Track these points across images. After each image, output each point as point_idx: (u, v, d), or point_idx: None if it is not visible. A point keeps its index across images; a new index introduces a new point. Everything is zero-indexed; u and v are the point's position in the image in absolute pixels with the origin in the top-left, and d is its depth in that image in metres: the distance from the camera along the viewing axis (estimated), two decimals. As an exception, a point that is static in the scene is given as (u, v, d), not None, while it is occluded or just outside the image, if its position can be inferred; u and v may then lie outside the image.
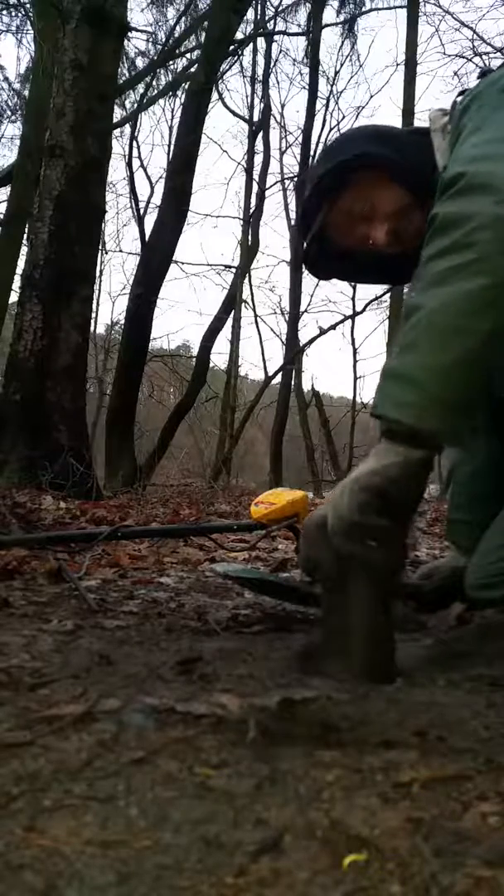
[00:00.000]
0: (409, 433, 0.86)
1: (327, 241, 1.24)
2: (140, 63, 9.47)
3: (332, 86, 11.81)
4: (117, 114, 7.91)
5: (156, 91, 9.90)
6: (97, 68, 4.62)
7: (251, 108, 11.63)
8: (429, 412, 0.84)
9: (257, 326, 13.99)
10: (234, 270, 11.41)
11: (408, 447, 0.86)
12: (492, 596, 1.16)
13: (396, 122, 8.17)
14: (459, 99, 1.11)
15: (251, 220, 11.08)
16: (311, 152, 11.00)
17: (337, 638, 0.89)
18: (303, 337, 11.54)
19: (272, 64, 11.56)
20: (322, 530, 0.89)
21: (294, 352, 10.95)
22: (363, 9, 10.78)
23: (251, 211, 11.16)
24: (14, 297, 6.95)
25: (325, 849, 0.45)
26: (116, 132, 9.02)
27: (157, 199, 9.49)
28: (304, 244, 1.32)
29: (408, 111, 8.23)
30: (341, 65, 12.47)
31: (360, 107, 16.82)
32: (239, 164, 12.01)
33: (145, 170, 17.25)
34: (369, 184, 1.16)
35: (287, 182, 12.24)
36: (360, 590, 0.87)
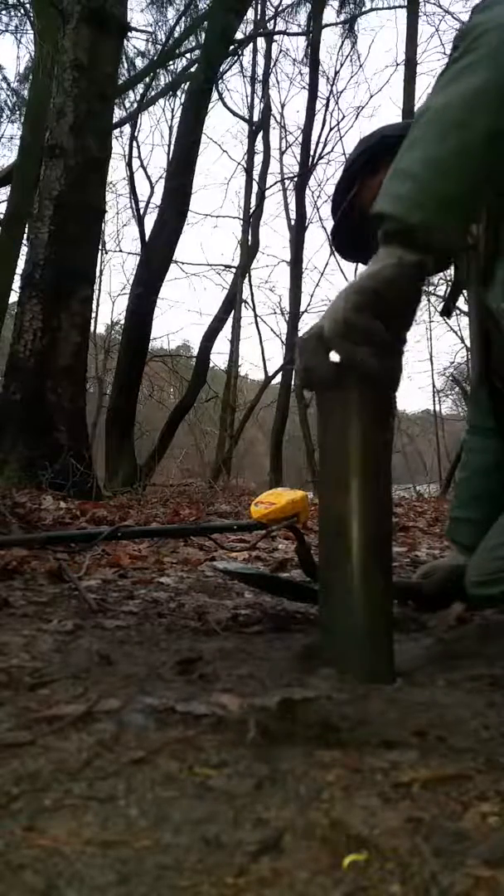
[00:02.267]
0: (404, 231, 0.86)
1: (356, 221, 1.26)
2: (140, 63, 9.48)
3: (332, 86, 11.79)
4: (117, 114, 7.92)
5: (156, 91, 9.91)
6: (97, 68, 4.62)
7: (251, 108, 11.64)
8: (422, 204, 0.85)
9: (257, 326, 14.01)
10: (234, 270, 11.41)
11: (403, 249, 0.86)
12: (490, 593, 1.17)
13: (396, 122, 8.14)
14: None
15: (251, 220, 11.08)
16: (311, 152, 11.00)
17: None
18: (303, 337, 11.52)
19: (272, 64, 11.56)
20: (319, 339, 0.89)
21: (294, 352, 10.94)
22: (363, 9, 10.78)
23: (251, 211, 11.16)
24: (14, 297, 6.95)
25: (325, 849, 0.45)
26: (116, 132, 9.03)
27: (157, 199, 9.50)
28: (333, 223, 1.34)
29: (408, 111, 8.22)
30: (341, 65, 12.51)
31: (360, 107, 16.83)
32: (239, 164, 12.01)
33: (145, 170, 17.28)
34: None
35: (287, 182, 12.23)
36: (356, 398, 0.88)
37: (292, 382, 11.18)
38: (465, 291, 1.32)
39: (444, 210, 0.86)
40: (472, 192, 0.88)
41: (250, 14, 9.77)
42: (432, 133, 0.87)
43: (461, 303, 1.39)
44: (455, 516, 1.43)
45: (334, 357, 0.88)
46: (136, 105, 9.77)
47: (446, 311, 1.36)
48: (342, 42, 11.78)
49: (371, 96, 30.33)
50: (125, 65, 8.73)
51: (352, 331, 0.85)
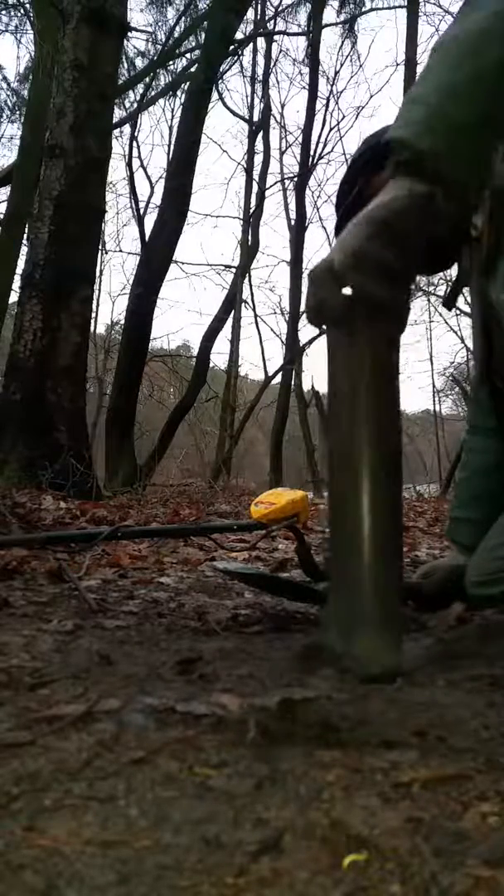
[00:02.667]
0: (415, 160, 0.86)
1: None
2: (140, 63, 9.48)
3: (332, 86, 11.83)
4: (117, 114, 7.92)
5: (156, 91, 9.91)
6: (97, 68, 4.62)
7: (251, 108, 11.65)
8: (433, 129, 0.85)
9: (257, 326, 14.01)
10: (234, 270, 11.41)
11: (413, 180, 0.86)
12: (490, 593, 1.17)
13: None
14: None
15: (251, 220, 11.09)
16: (311, 152, 11.01)
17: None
18: (303, 337, 11.55)
19: (272, 64, 11.58)
20: (329, 272, 0.88)
21: (294, 352, 10.95)
22: (363, 9, 10.78)
23: (251, 211, 11.16)
24: (14, 297, 6.95)
25: (325, 849, 0.45)
26: (116, 132, 9.03)
27: (157, 199, 9.50)
28: (337, 220, 1.34)
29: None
30: (341, 65, 12.53)
31: (360, 107, 16.86)
32: (239, 164, 12.02)
33: (145, 170, 17.27)
34: None
35: (287, 182, 12.24)
36: (366, 331, 0.88)
37: (292, 382, 11.19)
38: (466, 291, 1.32)
39: (455, 136, 0.85)
40: (484, 121, 0.87)
41: (250, 14, 9.79)
42: (446, 62, 0.87)
43: (461, 303, 1.39)
44: (455, 516, 1.43)
45: (346, 292, 0.87)
46: (136, 105, 9.78)
47: (448, 304, 1.35)
48: (342, 42, 11.81)
49: (371, 96, 30.39)
50: (125, 65, 8.73)
51: (362, 261, 0.85)
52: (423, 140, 0.85)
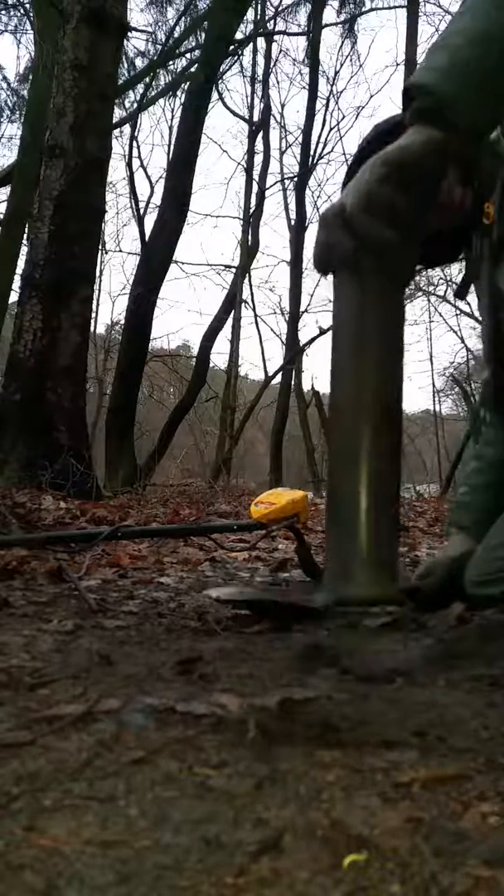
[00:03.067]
0: (434, 108, 0.86)
1: None
2: (140, 63, 9.47)
3: (332, 86, 11.81)
4: (117, 114, 7.91)
5: (156, 91, 9.90)
6: (97, 68, 4.61)
7: (251, 108, 11.63)
8: (453, 76, 0.85)
9: (257, 326, 13.98)
10: (234, 270, 11.41)
11: (432, 127, 0.86)
12: (491, 592, 1.17)
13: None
14: None
15: (251, 220, 11.08)
16: (311, 152, 11.01)
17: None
18: (303, 337, 11.54)
19: (272, 64, 11.57)
20: (339, 215, 0.88)
21: (294, 352, 10.95)
22: (363, 9, 10.78)
23: (251, 211, 11.15)
24: (14, 297, 6.95)
25: (325, 849, 0.45)
26: (116, 132, 9.03)
27: (157, 199, 9.50)
28: None
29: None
30: (341, 65, 12.51)
31: (360, 107, 16.87)
32: (239, 164, 12.01)
33: (145, 170, 17.21)
34: None
35: (287, 182, 12.23)
36: (372, 275, 0.88)
37: (292, 382, 11.19)
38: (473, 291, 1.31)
39: (475, 83, 0.86)
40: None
41: (250, 14, 9.77)
42: (472, 11, 0.88)
43: (462, 303, 1.39)
44: (464, 501, 1.42)
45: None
46: (136, 105, 9.78)
47: (460, 294, 1.35)
48: (342, 42, 11.78)
49: (371, 96, 30.19)
50: (125, 65, 8.72)
51: (374, 203, 0.85)
52: (443, 86, 0.85)
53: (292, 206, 11.70)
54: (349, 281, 0.91)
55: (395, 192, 0.85)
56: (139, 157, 13.18)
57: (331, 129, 11.65)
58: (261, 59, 11.41)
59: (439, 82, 0.86)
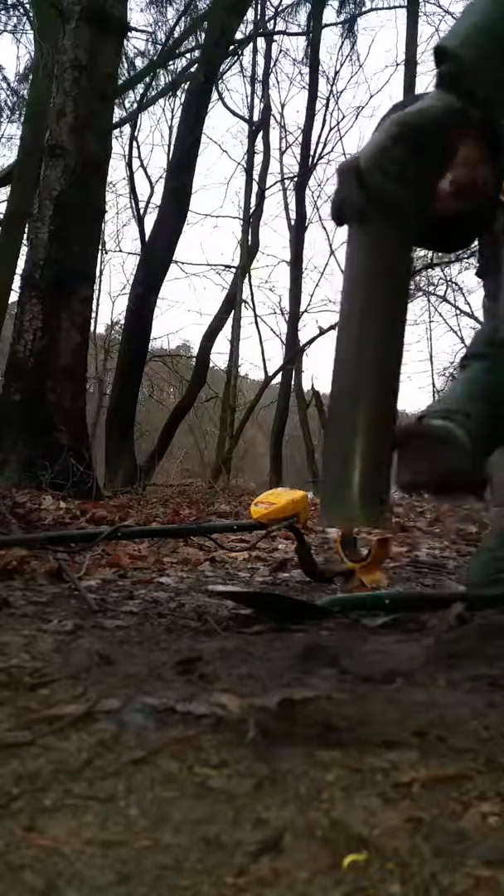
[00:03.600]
0: (455, 71, 0.87)
1: None
2: (140, 63, 9.46)
3: (332, 86, 11.78)
4: (117, 114, 7.91)
5: (156, 91, 9.89)
6: (97, 68, 4.61)
7: (251, 108, 11.61)
8: (473, 40, 0.87)
9: (257, 326, 13.94)
10: (234, 270, 11.40)
11: (452, 95, 0.88)
12: (490, 594, 1.17)
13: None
14: None
15: (251, 220, 11.07)
16: (311, 152, 11.00)
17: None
18: (303, 337, 11.53)
19: (272, 64, 11.55)
20: (354, 171, 0.91)
21: (294, 352, 10.95)
22: (363, 9, 10.76)
23: (251, 211, 11.15)
24: (14, 297, 6.95)
25: (325, 849, 0.45)
26: (116, 132, 9.02)
27: (157, 199, 9.49)
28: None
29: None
30: (341, 65, 12.41)
31: (360, 107, 16.86)
32: (239, 164, 11.98)
33: (145, 170, 17.14)
34: None
35: (287, 182, 12.22)
36: (381, 230, 0.93)
37: (292, 382, 11.18)
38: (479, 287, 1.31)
39: (496, 51, 0.87)
40: None
41: (250, 14, 9.75)
42: None
43: (461, 303, 1.38)
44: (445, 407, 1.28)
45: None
46: (136, 105, 9.76)
47: (482, 273, 1.35)
48: (342, 42, 11.73)
49: (371, 96, 30.08)
50: (125, 65, 8.71)
51: (387, 160, 0.87)
52: (465, 49, 0.87)
53: (292, 206, 11.69)
54: (359, 232, 0.96)
55: (407, 153, 0.88)
56: (139, 157, 13.17)
57: (331, 129, 11.63)
58: (261, 59, 11.40)
59: (460, 47, 0.87)
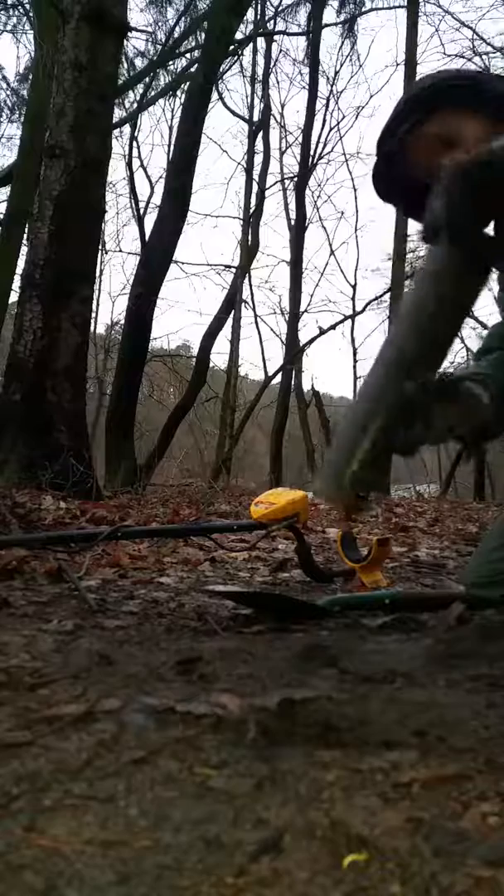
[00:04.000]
0: None
1: (399, 164, 1.26)
2: (140, 63, 9.47)
3: (332, 86, 11.83)
4: (117, 114, 7.92)
5: (156, 91, 9.90)
6: (97, 68, 4.61)
7: (251, 108, 11.63)
8: None
9: (257, 326, 14.00)
10: (234, 270, 11.41)
11: None
12: (490, 595, 1.17)
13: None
14: None
15: (251, 220, 11.08)
16: (311, 152, 11.01)
17: None
18: (303, 337, 11.55)
19: (272, 64, 11.57)
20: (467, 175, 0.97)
21: (294, 352, 10.95)
22: (363, 9, 10.78)
23: (251, 211, 11.15)
24: (14, 297, 6.95)
25: (325, 849, 0.45)
26: (116, 132, 9.03)
27: (157, 199, 9.53)
28: (376, 162, 1.33)
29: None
30: (341, 65, 12.51)
31: (360, 107, 16.87)
32: (239, 164, 12.02)
33: (145, 170, 17.25)
34: (452, 113, 1.19)
35: (287, 182, 12.24)
36: (453, 254, 1.00)
37: (292, 382, 11.19)
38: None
39: None
40: None
41: (250, 14, 9.77)
42: None
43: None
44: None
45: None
46: (136, 105, 9.78)
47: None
48: (342, 42, 11.79)
49: (371, 96, 30.15)
50: (125, 65, 8.72)
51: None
52: None
53: (292, 206, 11.72)
54: (435, 249, 1.03)
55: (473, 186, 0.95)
56: (139, 157, 13.21)
57: (331, 129, 11.69)
58: (261, 59, 11.43)
59: None
